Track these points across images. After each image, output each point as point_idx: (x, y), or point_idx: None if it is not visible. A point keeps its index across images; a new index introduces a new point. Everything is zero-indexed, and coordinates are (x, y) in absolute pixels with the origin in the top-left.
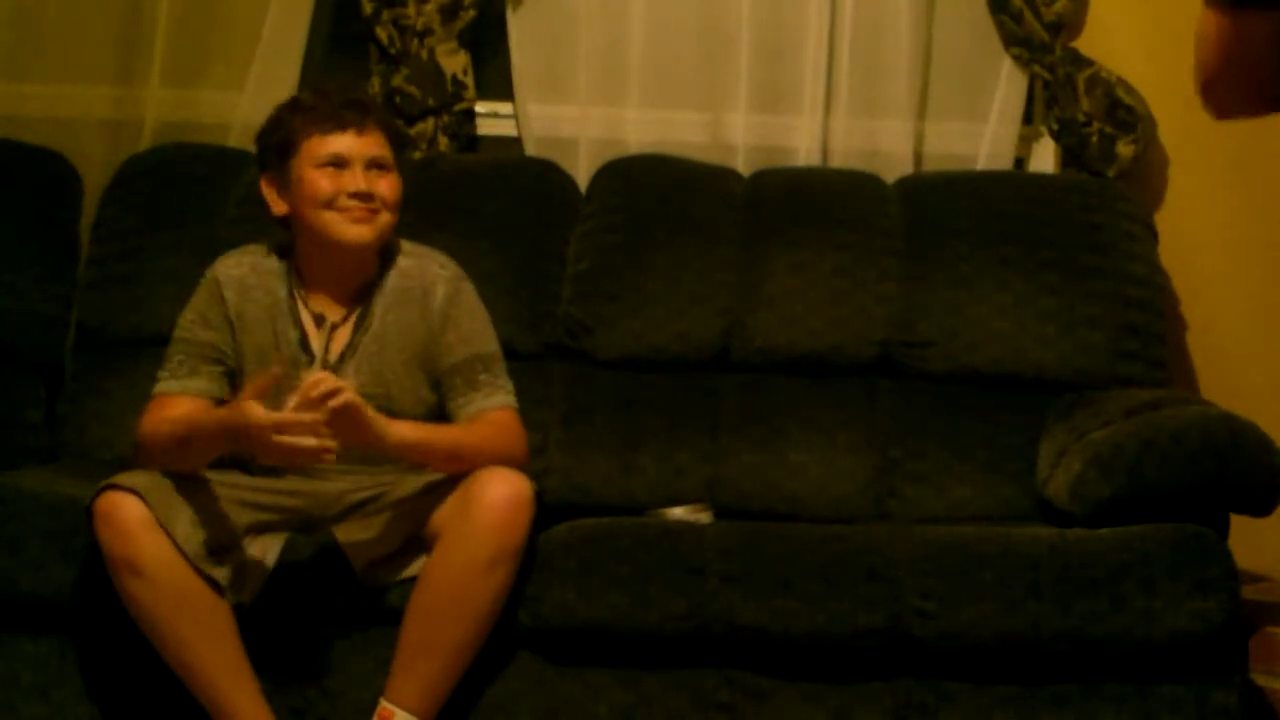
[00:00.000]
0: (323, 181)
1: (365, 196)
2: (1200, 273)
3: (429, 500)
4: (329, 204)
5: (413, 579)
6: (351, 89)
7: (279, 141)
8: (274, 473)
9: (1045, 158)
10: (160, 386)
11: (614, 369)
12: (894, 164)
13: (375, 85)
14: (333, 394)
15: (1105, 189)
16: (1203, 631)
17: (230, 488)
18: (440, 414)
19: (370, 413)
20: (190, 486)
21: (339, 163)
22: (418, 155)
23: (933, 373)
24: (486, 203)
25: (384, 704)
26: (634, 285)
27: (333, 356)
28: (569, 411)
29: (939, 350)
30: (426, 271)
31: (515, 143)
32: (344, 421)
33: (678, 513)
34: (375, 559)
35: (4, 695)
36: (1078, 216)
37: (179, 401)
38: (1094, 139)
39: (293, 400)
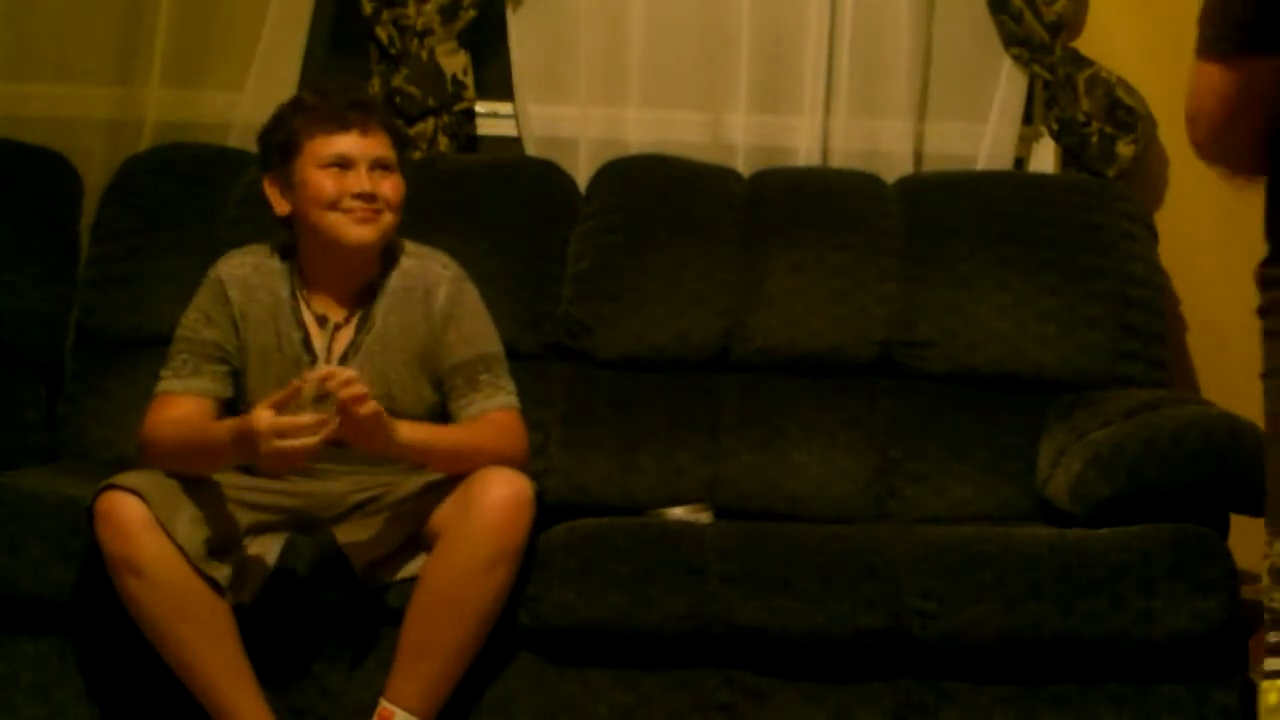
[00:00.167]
0: (327, 182)
1: (369, 197)
2: (1200, 273)
3: (429, 500)
4: (333, 205)
5: (413, 579)
6: (354, 89)
7: (282, 141)
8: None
9: (1045, 158)
10: (163, 385)
11: (614, 369)
12: (894, 164)
13: (375, 85)
14: (348, 384)
15: (1105, 189)
16: (1203, 631)
17: (230, 488)
18: (442, 414)
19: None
20: (191, 486)
21: (343, 163)
22: (418, 155)
23: (933, 373)
24: (486, 203)
25: (384, 704)
26: (634, 285)
27: (335, 357)
28: (569, 411)
29: (939, 350)
30: (429, 272)
31: (515, 143)
32: (355, 419)
33: (678, 513)
34: (375, 559)
35: (4, 695)
36: (1078, 216)
37: (182, 401)
38: (1094, 139)
39: (308, 390)
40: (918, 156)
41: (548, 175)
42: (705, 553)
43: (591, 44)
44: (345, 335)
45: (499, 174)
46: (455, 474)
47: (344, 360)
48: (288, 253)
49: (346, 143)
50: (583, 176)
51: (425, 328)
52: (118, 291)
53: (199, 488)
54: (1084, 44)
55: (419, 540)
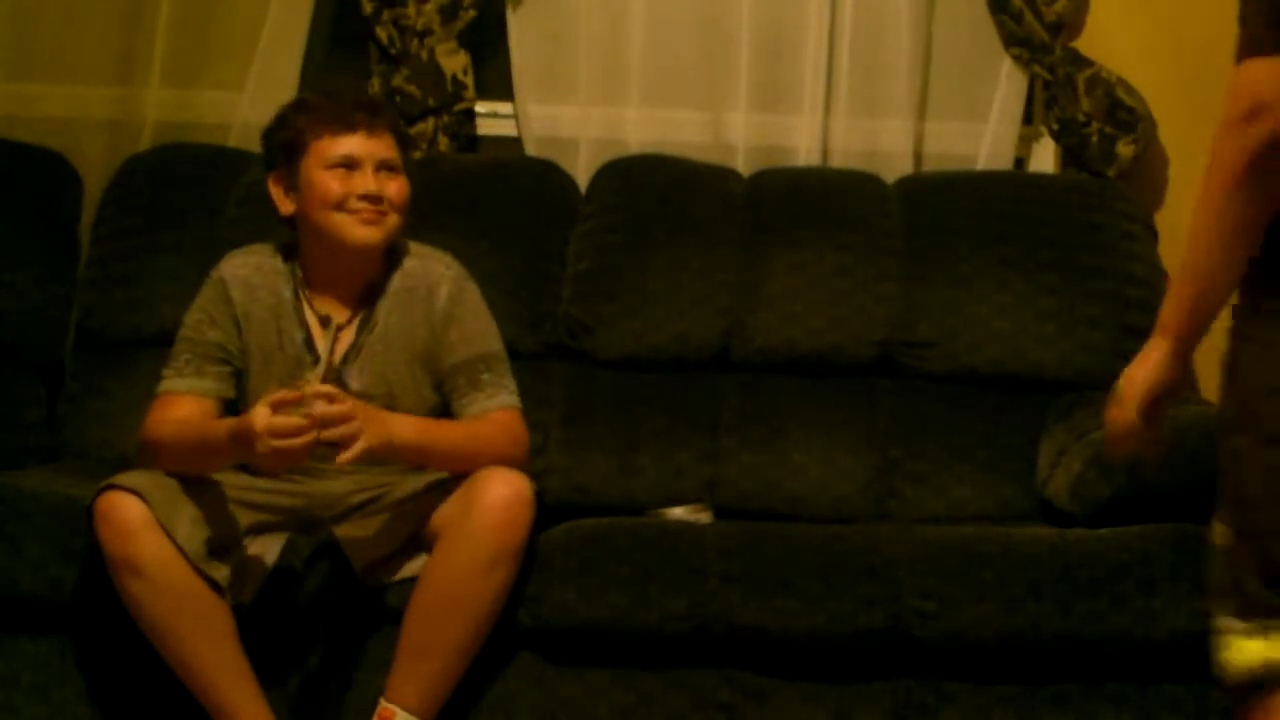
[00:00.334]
0: (333, 183)
1: (375, 199)
2: None
3: (429, 500)
4: (339, 206)
5: (413, 579)
6: (359, 90)
7: (287, 141)
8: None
9: (1045, 158)
10: (165, 385)
11: (614, 369)
12: (894, 164)
13: (375, 85)
14: (332, 406)
15: (1105, 189)
16: (1202, 631)
17: (231, 487)
18: (443, 414)
19: (372, 413)
20: (191, 486)
21: (349, 164)
22: (418, 155)
23: (933, 373)
24: (486, 203)
25: (384, 704)
26: (634, 285)
27: (337, 357)
28: (569, 411)
29: (939, 350)
30: (431, 271)
31: (515, 143)
32: (333, 438)
33: (678, 513)
34: (375, 559)
35: (4, 695)
36: (1078, 216)
37: (184, 400)
38: (1094, 139)
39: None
40: (918, 156)
41: (548, 175)
42: (705, 553)
43: (591, 44)
44: (347, 336)
45: (499, 174)
46: (455, 473)
47: (345, 360)
48: (290, 253)
49: (353, 144)
50: (583, 176)
51: (426, 327)
52: (118, 291)
53: (199, 488)
54: (1084, 44)
55: (419, 540)
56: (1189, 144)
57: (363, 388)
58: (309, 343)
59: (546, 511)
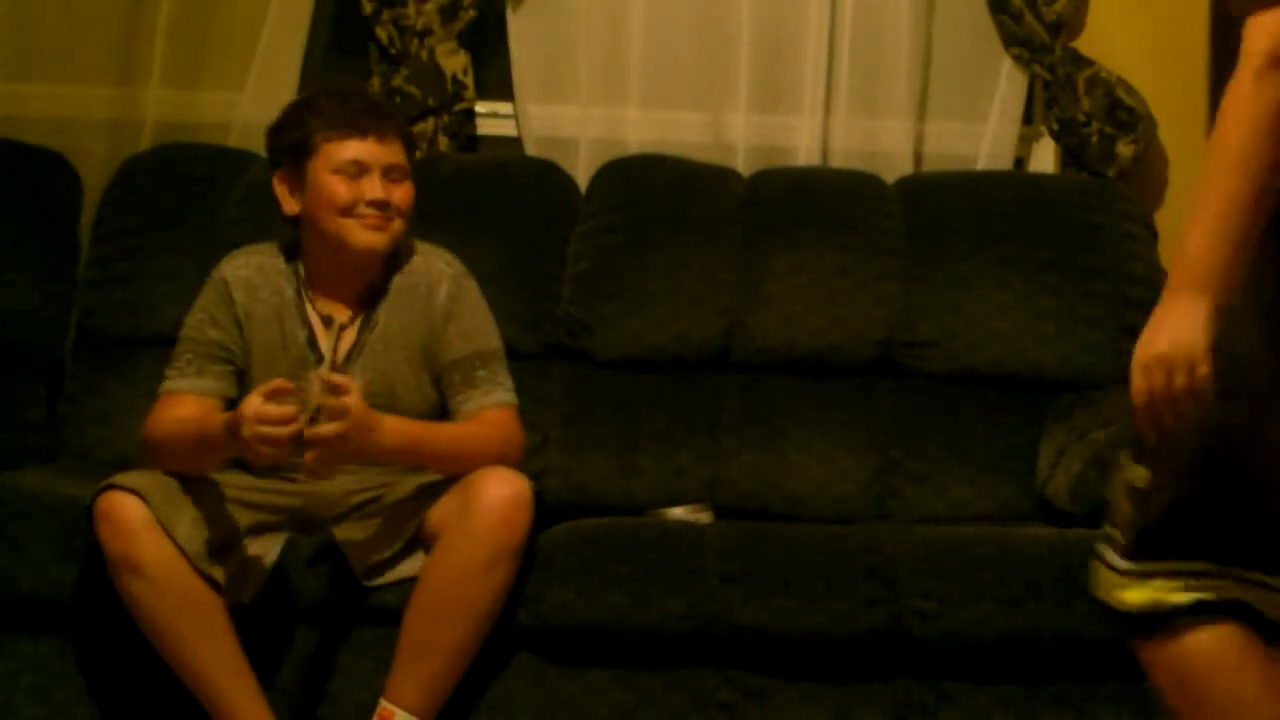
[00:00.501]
0: (340, 187)
1: (382, 205)
2: None
3: (429, 500)
4: (346, 211)
5: (413, 579)
6: (367, 93)
7: (294, 141)
8: (275, 472)
9: (1045, 158)
10: (167, 385)
11: (614, 369)
12: (894, 164)
13: (375, 85)
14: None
15: (1105, 189)
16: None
17: (231, 487)
18: (445, 412)
19: (363, 418)
20: (191, 486)
21: (357, 169)
22: (418, 155)
23: (933, 373)
24: (486, 203)
25: (384, 704)
26: (634, 285)
27: (339, 357)
28: (569, 411)
29: (939, 350)
30: (431, 269)
31: (515, 143)
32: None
33: (678, 513)
34: (375, 559)
35: (4, 695)
36: (1078, 216)
37: (186, 400)
38: (1094, 139)
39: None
40: (918, 156)
41: (548, 175)
42: (705, 553)
43: (591, 44)
44: (349, 335)
45: (499, 174)
46: (451, 474)
47: (348, 360)
48: (292, 253)
49: (362, 149)
50: (583, 176)
51: (426, 324)
52: (118, 291)
53: (199, 488)
54: (1084, 44)
55: (418, 540)
56: (1189, 144)
57: (365, 385)
58: (312, 342)
59: (546, 511)
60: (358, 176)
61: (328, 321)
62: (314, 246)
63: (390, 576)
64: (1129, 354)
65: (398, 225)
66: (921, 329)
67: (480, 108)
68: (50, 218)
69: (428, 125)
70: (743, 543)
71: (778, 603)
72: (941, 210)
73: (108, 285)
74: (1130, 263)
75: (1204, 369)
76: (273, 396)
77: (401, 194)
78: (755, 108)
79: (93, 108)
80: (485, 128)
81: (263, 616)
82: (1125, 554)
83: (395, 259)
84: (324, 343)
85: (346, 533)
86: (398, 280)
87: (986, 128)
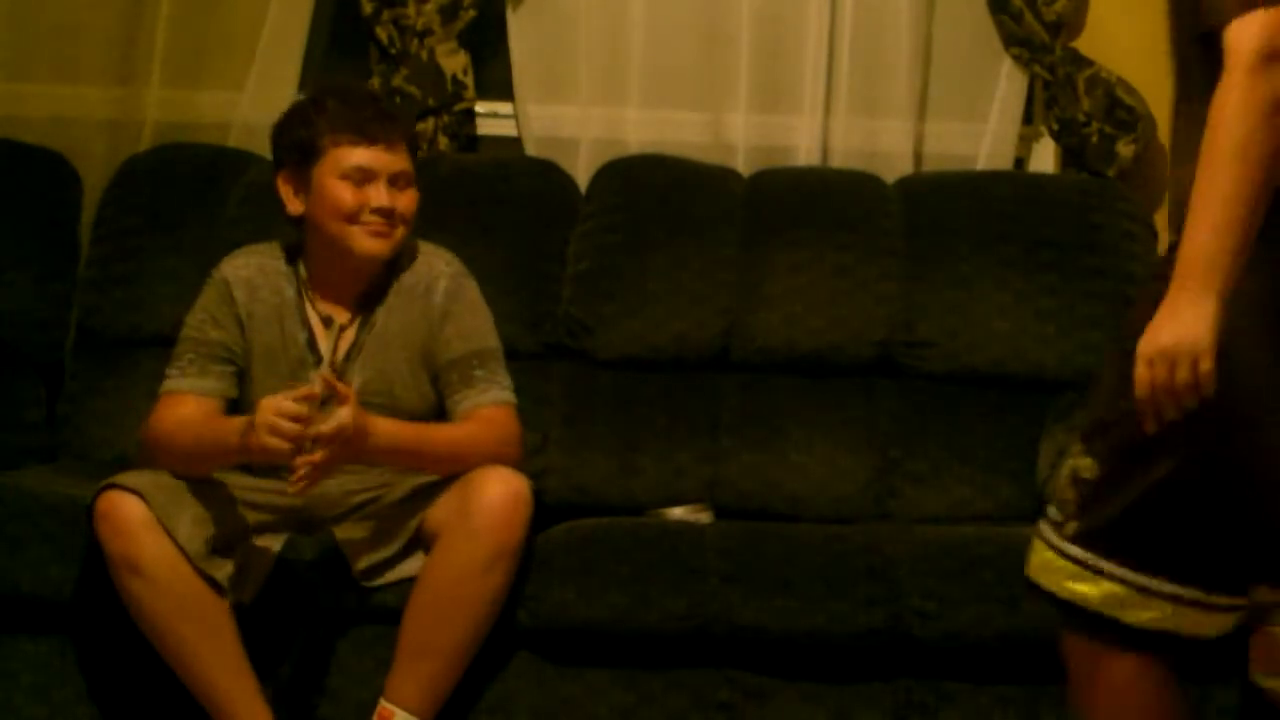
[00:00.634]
0: (346, 194)
1: (388, 213)
2: None
3: (428, 500)
4: (351, 218)
5: (412, 579)
6: (376, 97)
7: (301, 143)
8: (275, 473)
9: (1045, 158)
10: (169, 384)
11: (614, 369)
12: (894, 164)
13: (375, 85)
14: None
15: (1105, 189)
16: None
17: (231, 487)
18: (444, 412)
19: (359, 428)
20: (192, 486)
21: (363, 176)
22: (418, 155)
23: (933, 373)
24: (486, 203)
25: (384, 704)
26: (634, 285)
27: (339, 357)
28: (569, 411)
29: (939, 350)
30: (430, 269)
31: (515, 143)
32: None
33: (678, 513)
34: (375, 559)
35: (4, 695)
36: (1078, 216)
37: (188, 400)
38: (1094, 139)
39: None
40: (918, 156)
41: (548, 175)
42: (705, 553)
43: (591, 44)
44: (349, 335)
45: (499, 174)
46: (448, 475)
47: (348, 360)
48: (294, 253)
49: (369, 156)
50: (583, 176)
51: (424, 324)
52: (118, 291)
53: (200, 487)
54: (1084, 44)
55: (418, 540)
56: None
57: (364, 384)
58: (311, 343)
59: (546, 511)
60: (363, 183)
61: (328, 322)
62: (316, 248)
63: (390, 576)
64: None
65: (401, 232)
66: (921, 329)
67: (480, 108)
68: (50, 218)
69: (428, 125)
70: (743, 543)
71: (778, 603)
72: (941, 210)
73: (108, 285)
74: (1130, 263)
75: (1207, 364)
76: (300, 400)
77: (406, 201)
78: (755, 108)
79: (93, 108)
80: (485, 128)
81: (263, 616)
82: (1074, 540)
83: (396, 259)
84: (324, 344)
85: (346, 533)
86: (397, 280)
87: (986, 128)
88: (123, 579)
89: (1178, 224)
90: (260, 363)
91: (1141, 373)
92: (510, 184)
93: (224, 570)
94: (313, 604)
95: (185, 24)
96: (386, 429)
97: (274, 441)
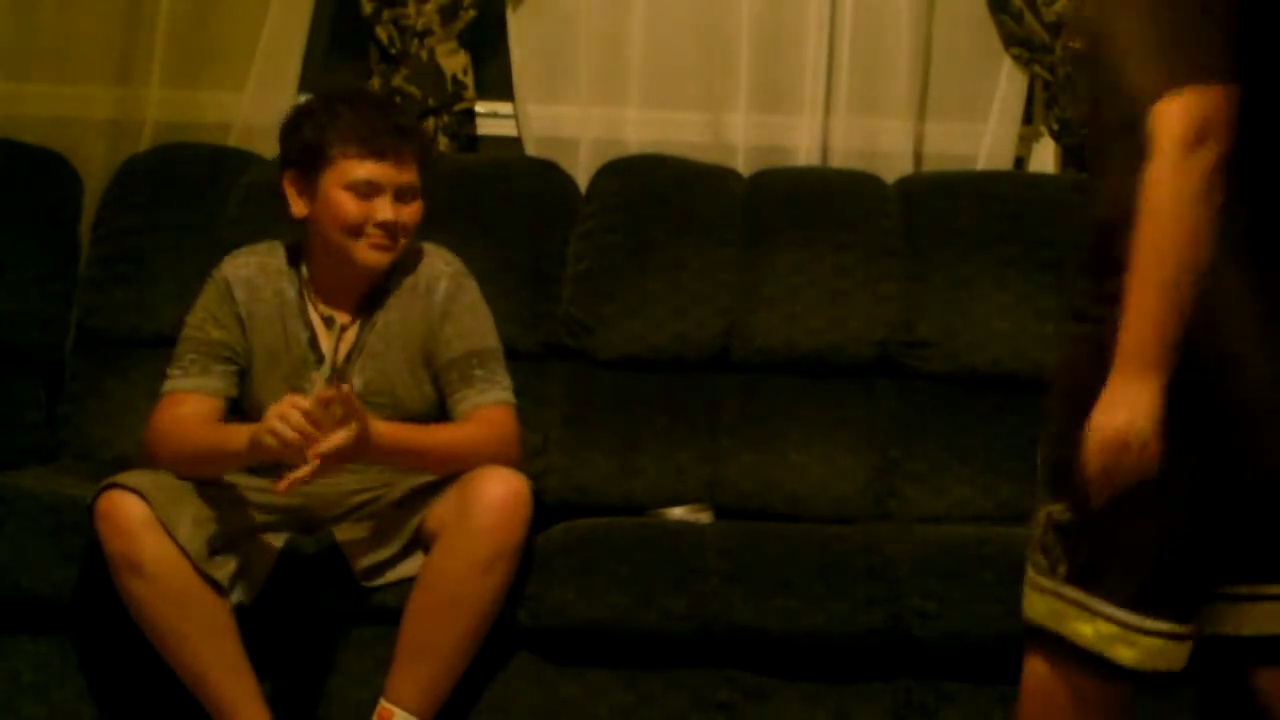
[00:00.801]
0: (351, 206)
1: (391, 227)
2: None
3: (428, 500)
4: (354, 230)
5: (412, 579)
6: (389, 106)
7: (309, 147)
8: (276, 472)
9: (1045, 158)
10: (171, 384)
11: (614, 369)
12: (894, 164)
13: (375, 85)
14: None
15: None
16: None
17: (232, 487)
18: (445, 411)
19: (363, 423)
20: (193, 486)
21: (370, 189)
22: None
23: (933, 373)
24: (486, 203)
25: (383, 704)
26: (634, 285)
27: (340, 357)
28: (569, 411)
29: (939, 350)
30: (431, 268)
31: (515, 143)
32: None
33: (678, 513)
34: (374, 559)
35: (4, 695)
36: (1078, 216)
37: (190, 399)
38: None
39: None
40: (918, 156)
41: (548, 175)
42: (705, 553)
43: (591, 44)
44: (350, 335)
45: (499, 174)
46: (448, 475)
47: (349, 360)
48: (296, 253)
49: (377, 170)
50: (583, 176)
51: (425, 324)
52: (118, 291)
53: (201, 487)
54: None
55: (418, 540)
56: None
57: (364, 384)
58: (313, 343)
59: (546, 511)
60: (369, 196)
61: (329, 322)
62: (318, 251)
63: (390, 576)
64: None
65: (403, 243)
66: (921, 329)
67: (480, 108)
68: (50, 218)
69: (428, 125)
70: (743, 543)
71: (778, 603)
72: (941, 210)
73: (108, 285)
74: None
75: (1153, 449)
76: (316, 402)
77: (410, 213)
78: (755, 108)
79: (93, 108)
80: (485, 128)
81: (263, 616)
82: (1070, 581)
83: (397, 260)
84: (325, 343)
85: (346, 533)
86: (398, 280)
87: (986, 128)
88: (123, 579)
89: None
90: (261, 362)
91: (1093, 454)
92: (510, 184)
93: (224, 570)
94: (313, 604)
95: (185, 24)
96: (387, 431)
97: (280, 426)
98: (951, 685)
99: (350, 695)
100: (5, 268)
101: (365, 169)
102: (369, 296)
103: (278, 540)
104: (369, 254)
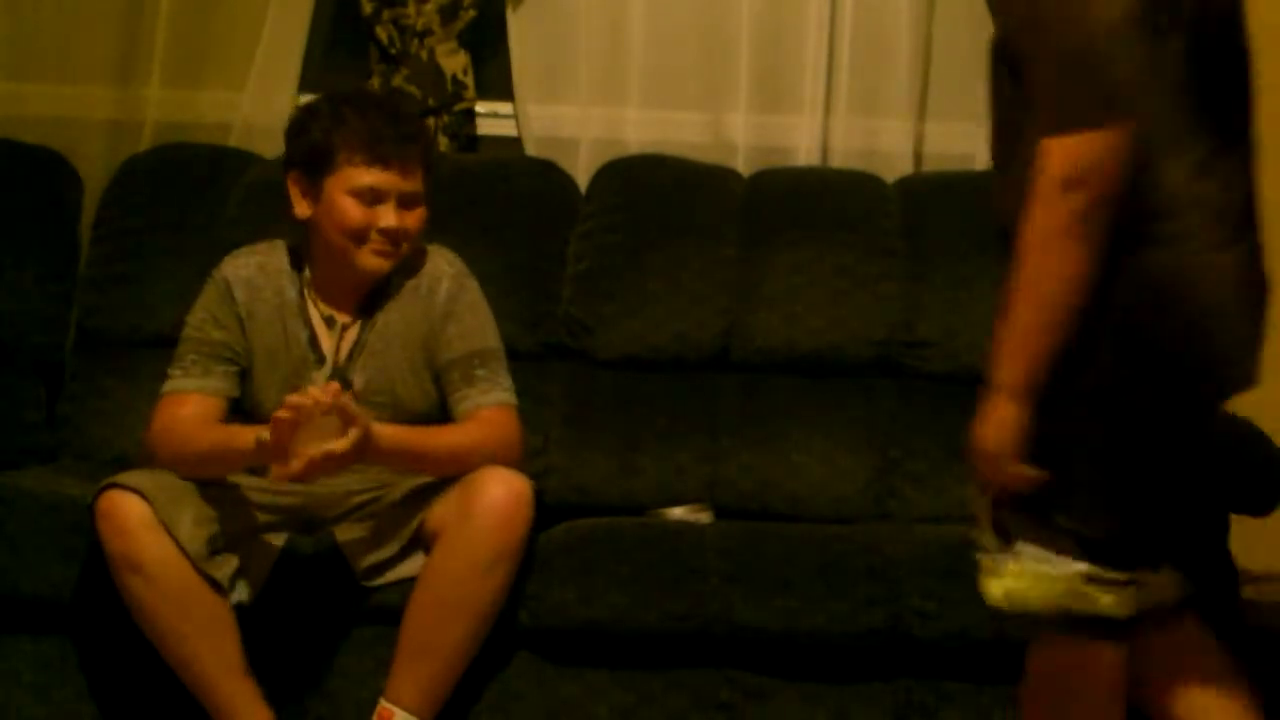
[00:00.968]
0: (355, 212)
1: (393, 234)
2: None
3: (428, 500)
4: (357, 236)
5: (413, 579)
6: (397, 110)
7: (315, 150)
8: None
9: None
10: (172, 384)
11: (614, 369)
12: (894, 164)
13: (375, 85)
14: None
15: None
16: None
17: (232, 488)
18: (446, 411)
19: (364, 429)
20: (193, 486)
21: (374, 197)
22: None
23: (933, 373)
24: (486, 203)
25: (384, 704)
26: (634, 285)
27: (341, 357)
28: (569, 411)
29: (939, 350)
30: (433, 268)
31: (515, 143)
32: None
33: (678, 513)
34: (375, 559)
35: (4, 695)
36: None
37: (192, 400)
38: None
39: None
40: (918, 156)
41: (548, 175)
42: (705, 553)
43: (591, 44)
44: (351, 334)
45: (499, 174)
46: (449, 476)
47: (350, 360)
48: (297, 253)
49: (383, 178)
50: (583, 176)
51: (426, 323)
52: (118, 291)
53: (201, 487)
54: None
55: (418, 540)
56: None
57: (365, 383)
58: (313, 342)
59: (546, 511)
60: (373, 203)
61: (330, 322)
62: (320, 252)
63: (390, 576)
64: None
65: (405, 249)
66: (921, 329)
67: (480, 108)
68: (50, 218)
69: (428, 125)
70: (743, 543)
71: (778, 603)
72: (941, 210)
73: (108, 285)
74: None
75: (1015, 468)
76: (335, 409)
77: (414, 219)
78: (755, 108)
79: (93, 108)
80: (485, 128)
81: (263, 616)
82: (1097, 559)
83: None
84: (326, 343)
85: (347, 533)
86: (400, 280)
87: (987, 128)
88: (123, 579)
89: None
90: (262, 362)
91: (977, 462)
92: (510, 184)
93: (225, 570)
94: (313, 604)
95: (185, 24)
96: (387, 433)
97: (285, 413)
98: (951, 685)
99: (350, 695)
100: (5, 268)
101: (371, 176)
102: (370, 296)
103: (278, 540)
104: (370, 260)
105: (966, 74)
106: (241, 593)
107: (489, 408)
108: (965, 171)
